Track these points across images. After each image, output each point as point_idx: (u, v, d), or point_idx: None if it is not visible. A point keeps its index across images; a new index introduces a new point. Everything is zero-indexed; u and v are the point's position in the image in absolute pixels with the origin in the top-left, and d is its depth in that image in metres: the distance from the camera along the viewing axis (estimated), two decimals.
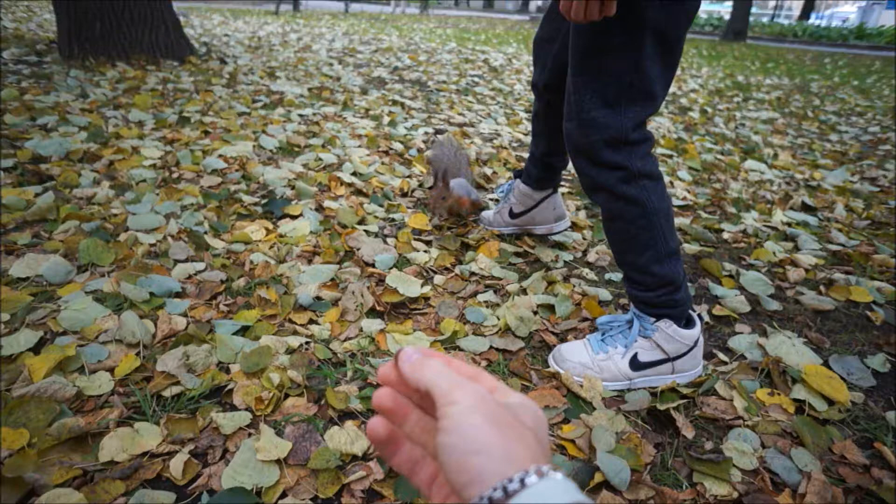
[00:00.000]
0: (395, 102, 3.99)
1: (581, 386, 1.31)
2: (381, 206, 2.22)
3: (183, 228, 1.89)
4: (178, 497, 1.02)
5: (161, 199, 2.09)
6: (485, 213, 2.10)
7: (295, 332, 1.45)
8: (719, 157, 3.36)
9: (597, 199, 1.30)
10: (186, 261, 1.73)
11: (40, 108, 3.00)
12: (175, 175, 2.34)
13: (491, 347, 1.45)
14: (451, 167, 2.18)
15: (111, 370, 1.28)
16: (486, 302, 1.64)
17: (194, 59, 4.71)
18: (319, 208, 2.14)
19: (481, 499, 0.34)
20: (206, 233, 1.88)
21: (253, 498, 1.02)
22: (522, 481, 0.34)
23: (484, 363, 1.40)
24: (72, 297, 1.51)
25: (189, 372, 1.29)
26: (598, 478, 1.08)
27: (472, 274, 1.78)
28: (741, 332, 1.57)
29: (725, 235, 2.22)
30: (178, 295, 1.56)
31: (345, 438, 1.14)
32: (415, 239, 1.97)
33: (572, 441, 1.17)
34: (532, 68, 1.66)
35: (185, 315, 1.48)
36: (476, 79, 5.42)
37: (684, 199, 2.60)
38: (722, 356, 1.47)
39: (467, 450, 0.35)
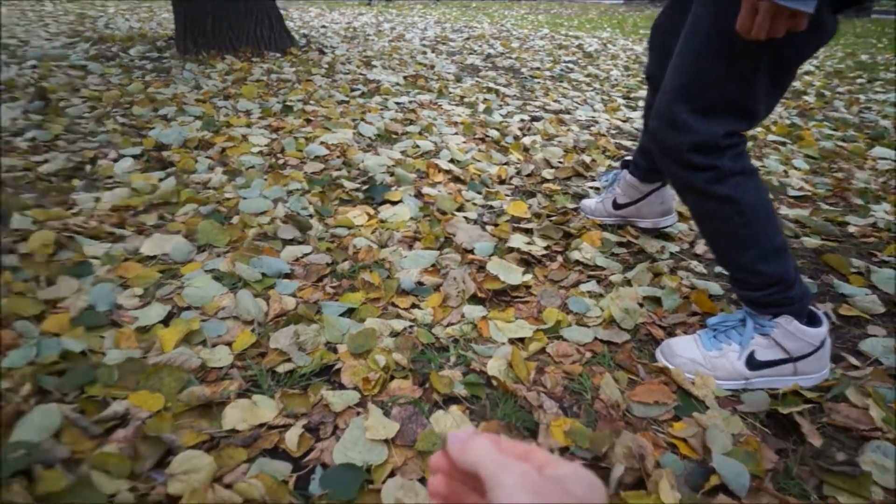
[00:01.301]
0: (489, 90, 3.97)
1: (693, 383, 1.26)
2: (479, 193, 2.22)
3: (289, 212, 1.97)
4: (294, 468, 1.06)
5: (269, 185, 2.18)
6: (586, 202, 2.04)
7: (398, 316, 1.47)
8: (840, 144, 3.10)
9: (687, 199, 1.24)
10: (293, 243, 1.80)
11: (161, 100, 3.21)
12: (281, 161, 2.43)
13: (595, 339, 1.42)
14: None
15: (229, 344, 1.35)
16: (588, 292, 1.60)
17: (295, 50, 4.89)
18: (418, 195, 2.16)
19: None
20: (311, 217, 1.95)
21: (363, 475, 1.05)
22: None
23: (588, 354, 1.37)
24: (193, 275, 1.61)
25: (300, 350, 1.34)
26: (713, 480, 1.03)
27: (575, 263, 1.74)
28: (875, 335, 1.45)
29: (851, 229, 2.04)
30: (287, 276, 1.63)
31: (450, 422, 1.15)
32: (514, 227, 1.95)
33: (684, 440, 1.12)
34: (647, 55, 1.57)
35: (294, 295, 1.54)
36: (570, 65, 5.29)
37: (801, 189, 2.42)
38: (853, 360, 1.36)
39: None
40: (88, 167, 2.36)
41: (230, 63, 4.23)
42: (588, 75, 4.81)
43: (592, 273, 1.70)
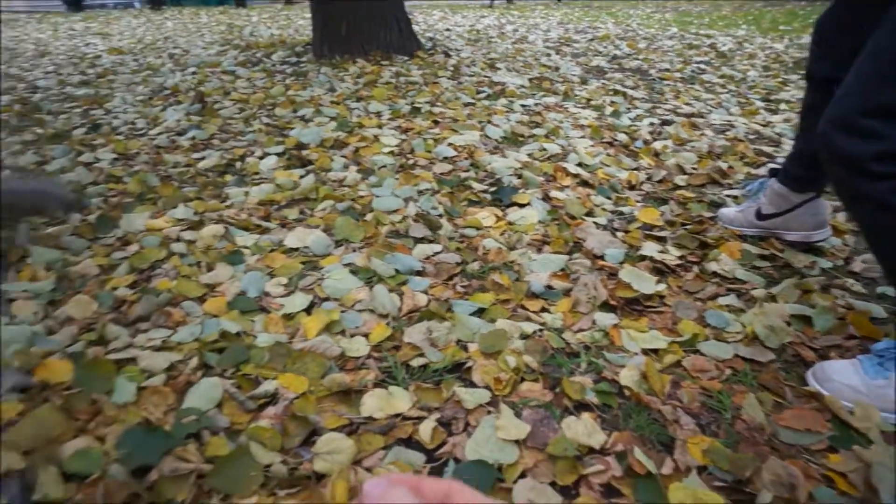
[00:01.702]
0: (616, 92, 3.87)
1: (851, 413, 1.15)
2: (609, 198, 2.17)
3: (420, 211, 2.03)
4: (427, 459, 1.10)
5: (400, 184, 2.27)
6: (725, 211, 1.94)
7: (528, 319, 1.48)
8: None
9: (858, 211, 1.13)
10: (424, 241, 1.86)
11: (300, 102, 3.43)
12: (411, 161, 2.52)
13: (736, 355, 1.34)
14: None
15: (366, 336, 1.42)
16: (728, 306, 1.52)
17: (422, 53, 5.03)
18: (546, 198, 2.15)
19: None
20: (440, 216, 2.00)
21: (495, 473, 1.06)
22: None
23: (728, 371, 1.30)
24: (332, 267, 1.70)
25: (432, 346, 1.38)
26: None
27: (713, 274, 1.66)
28: None
29: None
30: (418, 273, 1.69)
31: (582, 429, 1.14)
32: (646, 234, 1.89)
33: (843, 474, 1.04)
34: (812, 51, 1.45)
35: (425, 293, 1.59)
36: (702, 66, 5.03)
37: None
38: None
39: None
40: (238, 164, 2.58)
41: (361, 66, 4.43)
42: (722, 76, 4.55)
43: (732, 286, 1.61)
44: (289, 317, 1.49)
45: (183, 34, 7.01)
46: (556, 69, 4.71)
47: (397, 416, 1.19)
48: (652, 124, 3.12)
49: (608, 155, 2.61)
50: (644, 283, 1.57)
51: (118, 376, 1.27)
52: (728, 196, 2.18)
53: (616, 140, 2.83)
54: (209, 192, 2.28)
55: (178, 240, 1.89)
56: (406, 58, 4.86)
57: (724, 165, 2.48)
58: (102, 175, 2.48)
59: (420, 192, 2.20)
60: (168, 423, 1.15)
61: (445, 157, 2.54)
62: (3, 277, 1.69)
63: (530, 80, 4.19)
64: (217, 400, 1.21)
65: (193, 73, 4.49)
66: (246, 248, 1.83)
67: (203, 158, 2.63)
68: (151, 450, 1.07)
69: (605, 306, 1.52)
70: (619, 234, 1.89)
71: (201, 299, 1.58)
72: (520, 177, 2.32)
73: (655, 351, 1.36)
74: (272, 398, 1.23)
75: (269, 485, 1.04)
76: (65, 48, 6.18)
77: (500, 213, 2.03)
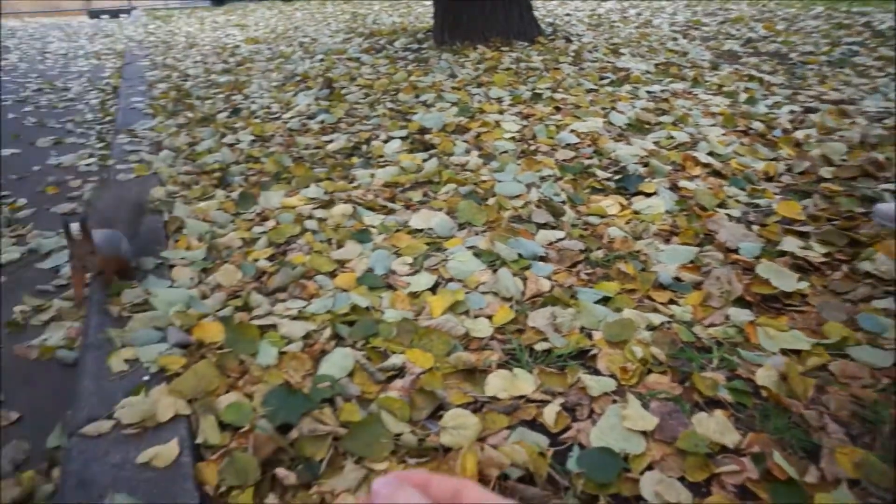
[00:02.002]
0: (751, 78, 3.61)
1: None
2: (744, 189, 2.04)
3: (543, 197, 2.02)
4: (551, 442, 1.11)
5: (522, 170, 2.26)
6: (882, 207, 1.77)
7: (655, 310, 1.43)
8: None
9: None
10: (546, 227, 1.85)
11: (422, 88, 3.51)
12: (532, 147, 2.50)
13: (895, 365, 1.23)
14: (108, 213, 1.74)
15: (489, 318, 1.44)
16: (884, 309, 1.39)
17: (542, 38, 4.96)
18: (674, 187, 2.06)
19: None
20: (563, 203, 1.98)
21: (621, 462, 1.05)
22: None
23: (885, 381, 1.19)
24: (455, 249, 1.74)
25: (556, 331, 1.38)
26: None
27: (865, 275, 1.52)
28: None
29: None
30: (541, 259, 1.68)
31: (714, 427, 1.09)
32: (785, 229, 1.76)
33: None
34: None
35: (549, 278, 1.58)
36: (854, 47, 4.57)
37: None
38: None
39: None
40: (364, 147, 2.68)
41: (482, 52, 4.44)
42: (879, 58, 4.11)
43: (889, 288, 1.47)
44: (415, 295, 1.54)
45: (311, 23, 7.36)
46: (685, 54, 4.47)
47: (521, 397, 1.20)
48: (792, 112, 2.89)
49: (742, 144, 2.46)
50: (784, 279, 1.47)
51: (262, 340, 1.38)
52: (886, 191, 1.98)
53: (751, 129, 2.65)
54: (338, 174, 2.39)
55: (310, 217, 2.01)
56: (526, 44, 4.81)
57: (880, 157, 2.25)
58: (243, 155, 2.68)
59: (542, 179, 2.18)
60: (305, 386, 1.24)
61: (568, 144, 2.50)
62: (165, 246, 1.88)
63: (656, 65, 4.01)
64: (349, 369, 1.28)
65: (321, 60, 4.71)
66: (373, 227, 1.91)
67: (331, 141, 2.76)
68: (292, 410, 1.16)
69: (740, 302, 1.44)
70: (755, 227, 1.78)
71: (332, 274, 1.68)
72: (646, 165, 2.24)
73: (797, 352, 1.28)
74: (400, 371, 1.29)
75: (398, 452, 1.09)
76: (209, 39, 6.69)
77: (624, 202, 1.98)
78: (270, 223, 2.00)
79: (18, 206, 2.55)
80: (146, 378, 1.28)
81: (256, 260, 1.77)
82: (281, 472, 1.04)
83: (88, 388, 1.28)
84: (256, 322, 1.45)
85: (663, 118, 2.80)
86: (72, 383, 1.38)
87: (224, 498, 1.02)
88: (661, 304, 1.46)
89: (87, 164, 3.07)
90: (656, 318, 1.39)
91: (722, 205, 1.93)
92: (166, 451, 1.08)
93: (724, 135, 2.56)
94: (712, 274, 1.52)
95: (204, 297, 1.60)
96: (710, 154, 2.33)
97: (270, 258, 1.79)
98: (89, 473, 1.04)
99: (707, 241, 1.72)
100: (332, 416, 1.15)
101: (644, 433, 1.10)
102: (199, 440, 1.12)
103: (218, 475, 1.04)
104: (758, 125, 2.67)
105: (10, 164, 3.12)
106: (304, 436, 1.11)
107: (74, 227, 1.49)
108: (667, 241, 1.74)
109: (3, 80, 5.33)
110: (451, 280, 1.60)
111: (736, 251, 1.65)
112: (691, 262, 1.61)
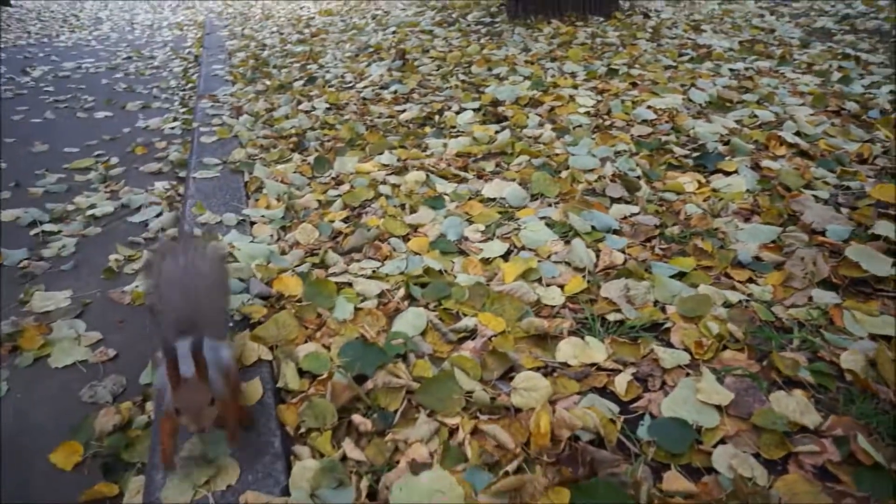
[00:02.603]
0: (845, 56, 3.40)
1: None
2: (833, 171, 1.94)
3: (617, 172, 1.98)
4: (620, 410, 1.11)
5: (596, 144, 2.22)
6: None
7: (733, 288, 1.40)
8: None
9: None
10: (621, 202, 1.82)
11: (495, 61, 3.48)
12: (607, 122, 2.45)
13: None
14: (192, 307, 1.06)
15: (561, 287, 1.44)
16: None
17: (618, 14, 4.81)
18: (756, 167, 1.98)
19: None
20: (638, 178, 1.94)
21: (693, 433, 1.04)
22: None
23: None
24: (528, 219, 1.74)
25: (629, 303, 1.37)
26: None
27: None
28: None
29: None
30: (615, 232, 1.66)
31: (793, 406, 1.07)
32: (880, 212, 1.67)
33: None
34: None
35: (622, 251, 1.56)
36: None
37: None
38: None
39: None
40: (437, 117, 2.70)
41: (556, 27, 4.36)
42: None
43: None
44: (487, 261, 1.56)
45: None
46: (771, 31, 4.25)
47: (592, 365, 1.20)
48: (892, 92, 2.71)
49: (833, 125, 2.33)
50: (876, 263, 1.40)
51: (338, 296, 1.43)
52: None
53: (844, 109, 2.50)
54: (411, 142, 2.42)
55: (384, 183, 2.05)
56: (602, 19, 4.68)
57: None
58: (318, 122, 2.75)
59: (617, 153, 2.14)
60: (380, 342, 1.28)
61: (644, 120, 2.44)
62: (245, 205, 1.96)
63: (740, 42, 3.83)
64: (421, 328, 1.31)
65: (394, 32, 4.73)
66: (446, 194, 1.93)
67: (404, 111, 2.79)
68: (368, 362, 1.20)
69: (825, 284, 1.38)
70: (845, 209, 1.69)
71: (405, 238, 1.71)
72: (726, 143, 2.16)
73: (887, 338, 1.22)
74: (471, 333, 1.31)
75: (470, 409, 1.11)
76: (284, 11, 6.83)
77: (703, 179, 1.92)
78: (345, 187, 2.05)
79: (111, 164, 2.71)
80: (230, 325, 1.35)
81: (332, 221, 1.82)
82: (357, 418, 1.08)
83: None
84: (333, 279, 1.50)
85: (746, 96, 2.68)
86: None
87: (304, 438, 1.07)
88: (740, 282, 1.42)
89: (172, 128, 3.22)
90: (734, 296, 1.35)
91: (808, 186, 1.85)
92: (251, 389, 1.15)
93: (812, 115, 2.44)
94: (796, 254, 1.46)
95: (283, 252, 1.66)
96: (797, 134, 2.22)
97: (345, 220, 1.84)
98: None
99: (790, 222, 1.65)
100: (406, 371, 1.18)
101: (718, 407, 1.08)
102: (279, 384, 1.18)
103: (298, 417, 1.10)
104: (852, 105, 2.52)
105: (103, 126, 3.31)
106: (379, 387, 1.15)
107: (183, 351, 0.89)
108: (747, 220, 1.68)
109: (97, 48, 5.62)
110: (523, 248, 1.61)
111: (822, 233, 1.58)
112: (773, 241, 1.56)
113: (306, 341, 1.30)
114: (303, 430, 1.08)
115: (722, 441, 1.04)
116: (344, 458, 1.02)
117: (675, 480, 0.96)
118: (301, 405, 1.12)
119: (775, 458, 1.00)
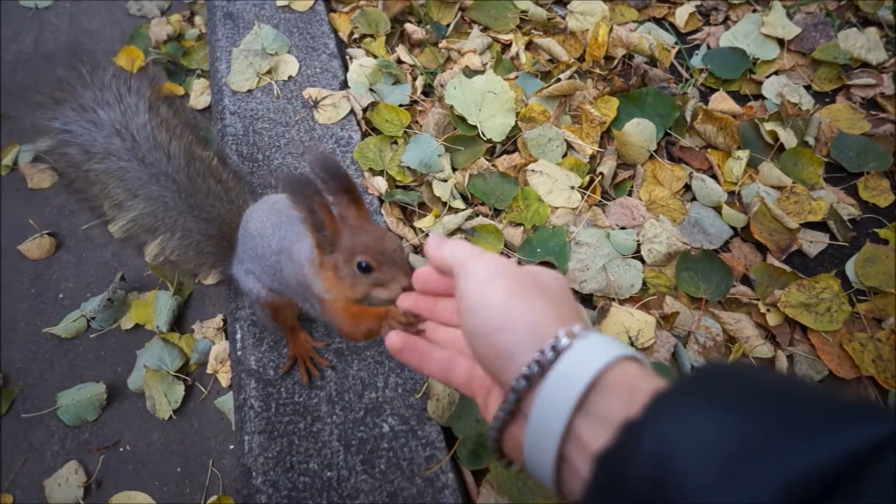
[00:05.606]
0: None
1: None
2: None
3: None
4: (677, 41, 1.08)
5: None
6: None
7: None
8: None
9: None
10: None
11: None
12: None
13: None
14: None
15: None
16: None
17: None
18: None
19: (518, 381, 0.31)
20: None
21: (748, 63, 1.03)
22: (555, 348, 0.30)
23: None
24: None
25: None
26: None
27: None
28: None
29: None
30: None
31: (861, 42, 1.03)
32: None
33: None
34: None
35: None
36: None
37: None
38: None
39: (489, 329, 0.32)
40: None
41: None
42: None
43: None
44: None
45: None
46: None
47: None
48: None
49: None
50: None
51: None
52: None
53: None
54: None
55: None
56: None
57: None
58: None
59: None
60: None
61: None
62: None
63: None
64: None
65: None
66: None
67: None
68: None
69: None
70: None
71: None
72: None
73: None
74: None
75: (524, 27, 1.09)
76: None
77: None
78: None
79: None
80: None
81: None
82: (410, 27, 1.07)
83: None
84: None
85: None
86: None
87: (357, 43, 1.08)
88: None
89: None
90: None
91: None
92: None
93: None
94: None
95: None
96: None
97: None
98: (234, 7, 1.11)
99: None
100: None
101: (780, 41, 1.05)
102: None
103: (350, 24, 1.09)
104: None
105: None
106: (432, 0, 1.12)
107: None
108: None
109: None
110: None
111: None
112: None
113: None
114: (356, 35, 1.09)
115: (775, 73, 1.03)
116: (399, 61, 1.04)
117: (721, 101, 0.98)
118: (354, 13, 1.11)
119: (826, 90, 1.01)
